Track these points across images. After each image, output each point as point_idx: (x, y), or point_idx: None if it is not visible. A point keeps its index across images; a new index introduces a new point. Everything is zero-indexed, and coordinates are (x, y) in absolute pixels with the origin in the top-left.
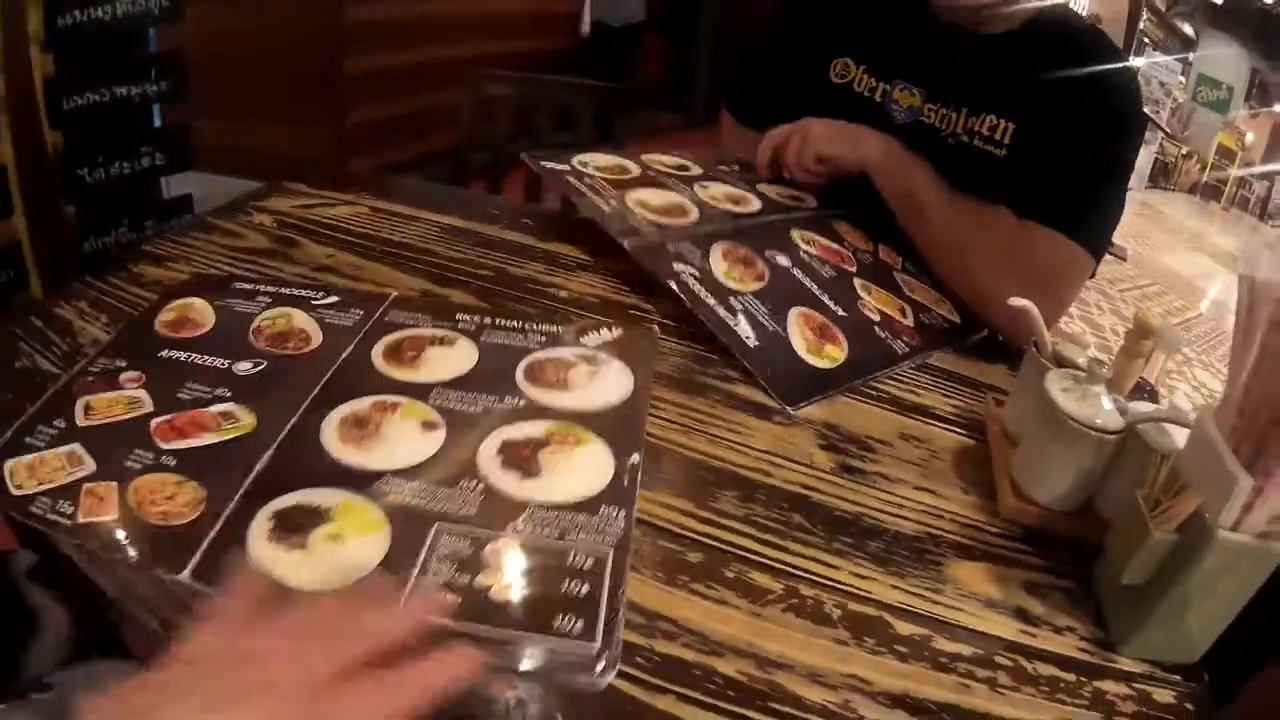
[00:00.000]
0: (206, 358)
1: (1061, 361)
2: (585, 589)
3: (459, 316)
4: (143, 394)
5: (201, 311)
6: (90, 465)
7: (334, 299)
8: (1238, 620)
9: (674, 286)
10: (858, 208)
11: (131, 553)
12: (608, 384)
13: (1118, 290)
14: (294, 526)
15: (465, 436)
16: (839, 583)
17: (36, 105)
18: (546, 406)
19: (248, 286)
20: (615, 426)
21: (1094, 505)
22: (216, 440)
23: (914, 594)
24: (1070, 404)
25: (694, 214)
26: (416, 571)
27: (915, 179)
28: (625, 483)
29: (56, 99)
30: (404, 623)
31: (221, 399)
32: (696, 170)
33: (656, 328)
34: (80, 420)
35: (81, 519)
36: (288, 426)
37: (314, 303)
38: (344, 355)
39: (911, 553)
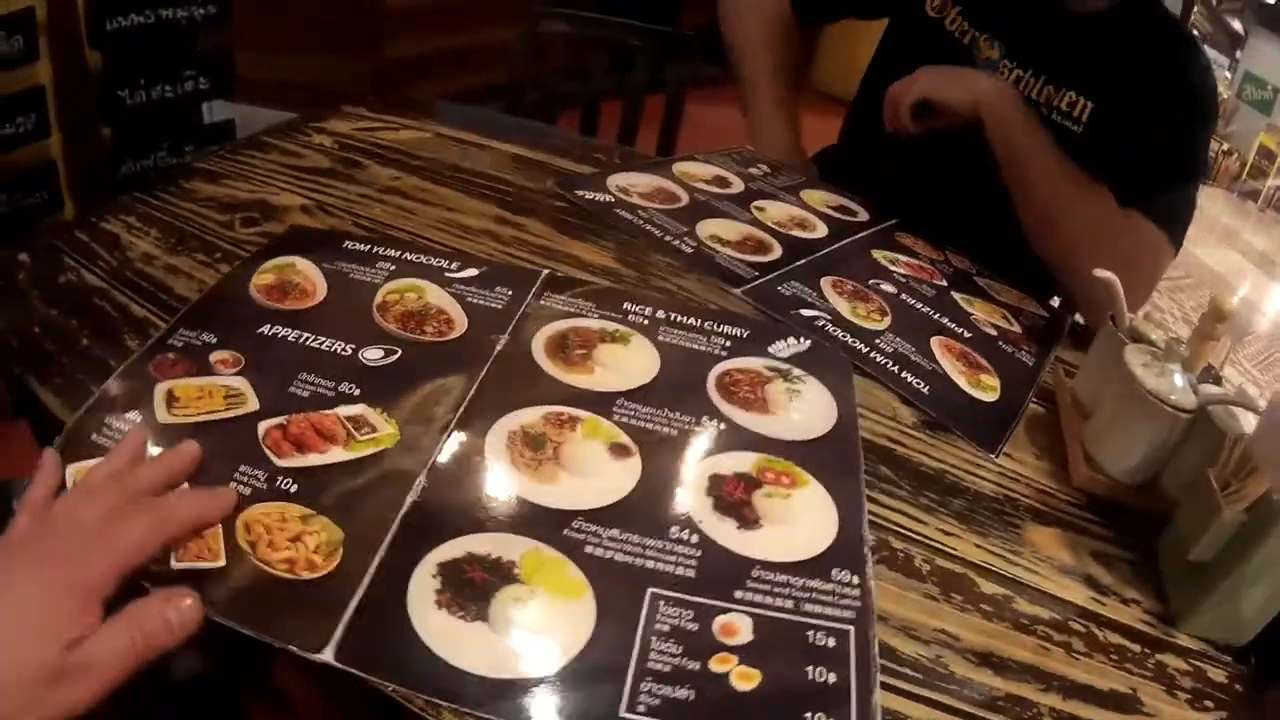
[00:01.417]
0: (323, 339)
1: (1136, 337)
2: (832, 677)
3: (627, 306)
4: (243, 383)
5: (308, 276)
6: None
7: (472, 271)
8: None
9: (817, 338)
10: (910, 215)
11: (249, 618)
12: (811, 408)
13: None
14: (470, 587)
15: (665, 468)
16: (927, 538)
17: (78, 25)
18: (749, 432)
19: (361, 248)
20: (829, 464)
21: (1159, 482)
22: (349, 457)
23: (995, 554)
24: (1149, 379)
25: (777, 249)
26: (635, 655)
27: (1028, 134)
28: (855, 539)
29: (99, 19)
30: (160, 467)
31: (348, 398)
32: (737, 183)
33: (844, 354)
34: (162, 414)
35: (177, 562)
36: (441, 442)
37: (448, 274)
38: (499, 347)
39: (991, 513)
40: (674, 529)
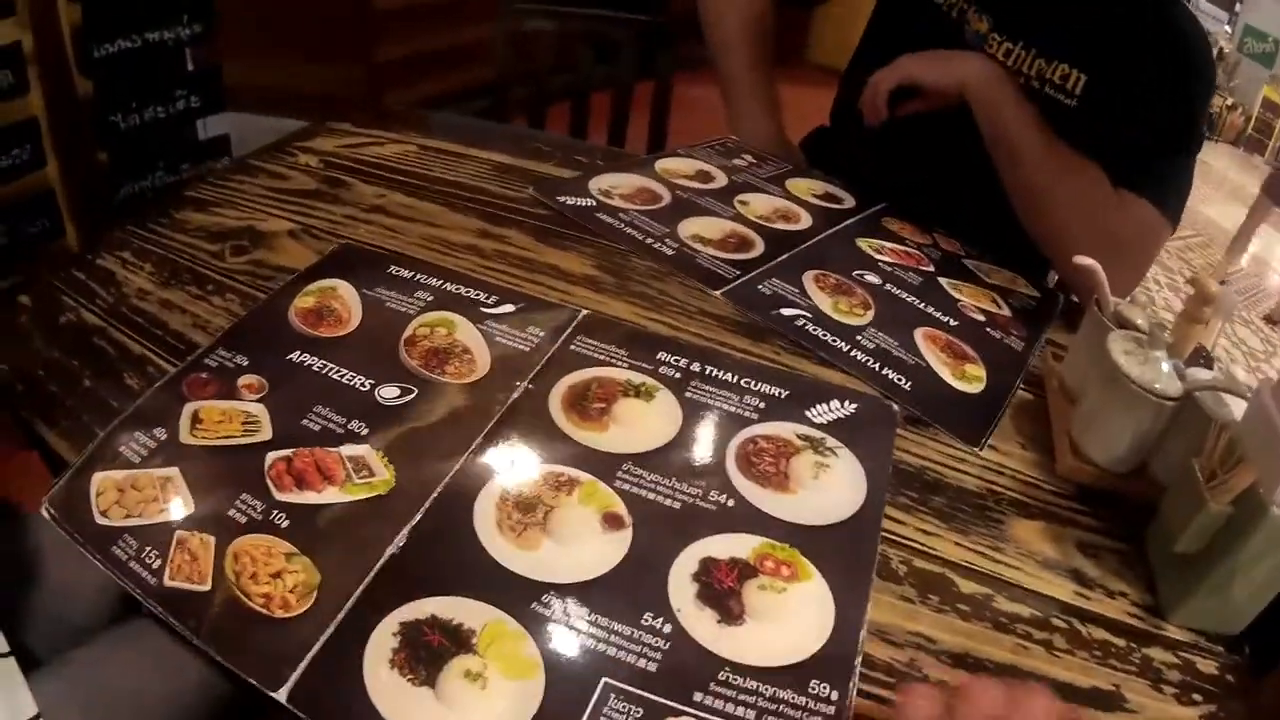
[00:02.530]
0: (346, 373)
1: (1122, 322)
2: None
3: (661, 356)
4: (261, 411)
5: (346, 302)
6: (187, 503)
7: (509, 308)
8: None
9: (795, 337)
10: (899, 197)
11: (222, 644)
12: (837, 488)
13: None
14: (425, 651)
15: (656, 545)
16: (905, 538)
17: (66, 55)
18: (758, 511)
19: (405, 274)
20: (840, 556)
21: (1148, 468)
22: (342, 499)
23: (976, 551)
24: (1132, 367)
25: (759, 245)
26: None
27: (1014, 113)
28: (847, 648)
29: (86, 47)
30: None
31: (356, 436)
32: (720, 177)
33: (896, 406)
34: (184, 434)
35: (169, 580)
36: (433, 495)
37: (484, 309)
38: (515, 396)
39: (973, 509)
40: (648, 615)
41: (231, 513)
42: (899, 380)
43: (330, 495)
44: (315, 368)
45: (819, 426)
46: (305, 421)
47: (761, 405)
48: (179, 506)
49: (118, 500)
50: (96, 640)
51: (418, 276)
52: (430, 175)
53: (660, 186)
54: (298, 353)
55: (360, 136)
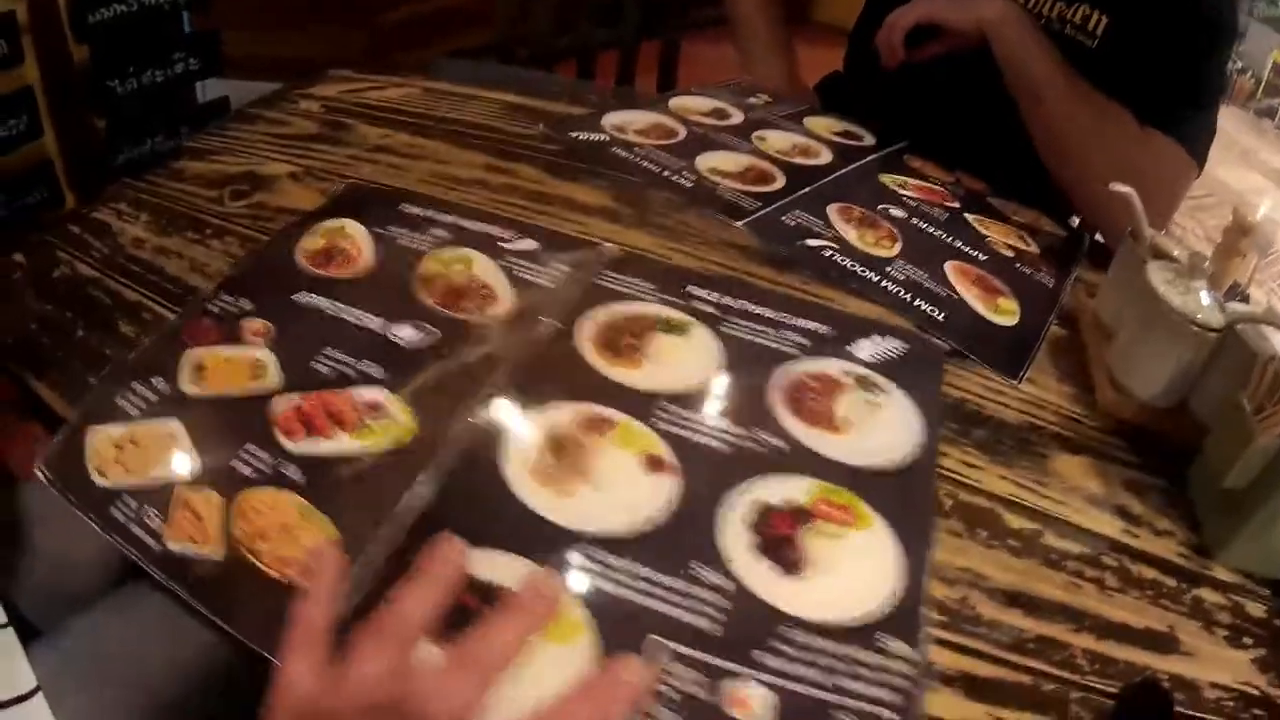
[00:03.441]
0: (357, 312)
1: (1158, 254)
2: None
3: (692, 290)
4: (269, 357)
5: (356, 241)
6: (189, 458)
7: (531, 244)
8: None
9: (823, 267)
10: (919, 139)
11: (230, 614)
12: (890, 429)
13: None
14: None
15: (704, 490)
16: (950, 470)
17: (60, 20)
18: (810, 452)
19: (418, 211)
20: (900, 502)
21: (1188, 405)
22: (356, 447)
23: (1022, 486)
24: (1173, 297)
25: (780, 179)
26: None
27: (1034, 53)
28: (915, 601)
29: (81, 13)
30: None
31: (369, 379)
32: (736, 114)
33: (941, 344)
34: (186, 384)
35: (172, 543)
36: (457, 438)
37: (504, 246)
38: (540, 333)
39: (1016, 443)
40: (698, 566)
41: (235, 464)
42: (932, 312)
43: (343, 443)
44: (325, 308)
45: (865, 364)
46: (315, 364)
47: (804, 341)
48: (180, 462)
49: (116, 458)
50: (94, 608)
51: (430, 213)
52: (436, 115)
53: (675, 122)
54: (305, 294)
55: (362, 82)
